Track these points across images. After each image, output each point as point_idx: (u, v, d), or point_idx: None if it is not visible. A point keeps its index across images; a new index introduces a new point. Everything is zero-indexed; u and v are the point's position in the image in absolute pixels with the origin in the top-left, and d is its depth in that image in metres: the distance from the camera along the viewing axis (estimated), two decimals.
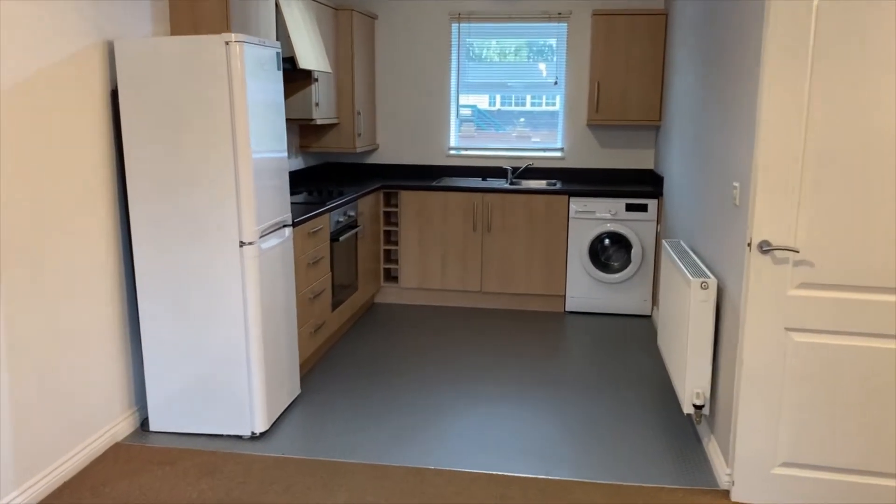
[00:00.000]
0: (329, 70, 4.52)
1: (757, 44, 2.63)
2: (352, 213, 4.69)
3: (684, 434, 3.34)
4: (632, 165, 5.60)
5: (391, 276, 5.58)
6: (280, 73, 3.35)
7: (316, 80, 4.66)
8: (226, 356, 3.20)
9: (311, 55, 4.25)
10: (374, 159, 5.92)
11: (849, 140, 2.41)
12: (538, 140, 5.68)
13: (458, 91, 5.71)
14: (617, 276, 5.16)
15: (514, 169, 5.71)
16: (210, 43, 2.95)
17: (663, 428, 3.40)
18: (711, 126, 3.39)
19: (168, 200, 3.09)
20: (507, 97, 5.66)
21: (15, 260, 2.59)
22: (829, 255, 2.50)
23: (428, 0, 5.59)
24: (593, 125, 5.55)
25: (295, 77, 4.62)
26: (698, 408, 3.11)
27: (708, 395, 3.09)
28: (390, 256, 5.64)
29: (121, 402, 3.25)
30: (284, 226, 3.49)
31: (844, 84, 2.38)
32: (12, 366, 2.60)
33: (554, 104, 5.62)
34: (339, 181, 5.52)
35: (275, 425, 3.40)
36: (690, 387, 3.09)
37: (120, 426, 3.23)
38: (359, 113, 5.30)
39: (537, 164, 5.72)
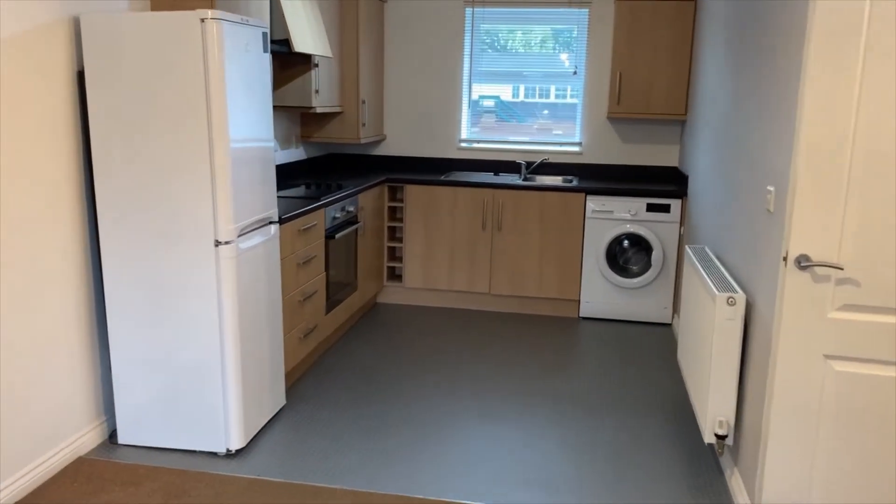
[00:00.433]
0: (329, 54, 4.21)
1: (801, 29, 2.28)
2: (351, 209, 4.39)
3: (704, 464, 3.01)
4: (654, 162, 5.24)
5: (395, 275, 5.28)
6: (268, 56, 3.06)
7: (316, 65, 4.36)
8: (199, 365, 2.92)
9: (308, 38, 3.94)
10: (381, 151, 5.61)
11: None
12: (560, 132, 5.34)
13: (470, 80, 5.38)
14: (635, 280, 4.82)
15: (529, 164, 5.38)
16: (184, 20, 2.66)
17: (681, 455, 3.07)
18: (744, 121, 3.04)
19: (138, 195, 2.82)
20: (531, 88, 5.31)
21: None
22: (877, 273, 2.16)
23: None
24: (614, 118, 5.21)
25: (294, 62, 4.32)
26: (721, 437, 2.78)
27: (732, 423, 2.76)
28: (394, 254, 5.34)
29: (87, 412, 2.99)
30: (270, 223, 3.20)
31: None
32: None
33: (571, 95, 5.27)
34: (342, 173, 5.22)
35: (253, 441, 3.12)
36: (713, 414, 2.76)
37: (86, 437, 2.97)
38: (363, 101, 4.99)
39: (553, 160, 5.38)
